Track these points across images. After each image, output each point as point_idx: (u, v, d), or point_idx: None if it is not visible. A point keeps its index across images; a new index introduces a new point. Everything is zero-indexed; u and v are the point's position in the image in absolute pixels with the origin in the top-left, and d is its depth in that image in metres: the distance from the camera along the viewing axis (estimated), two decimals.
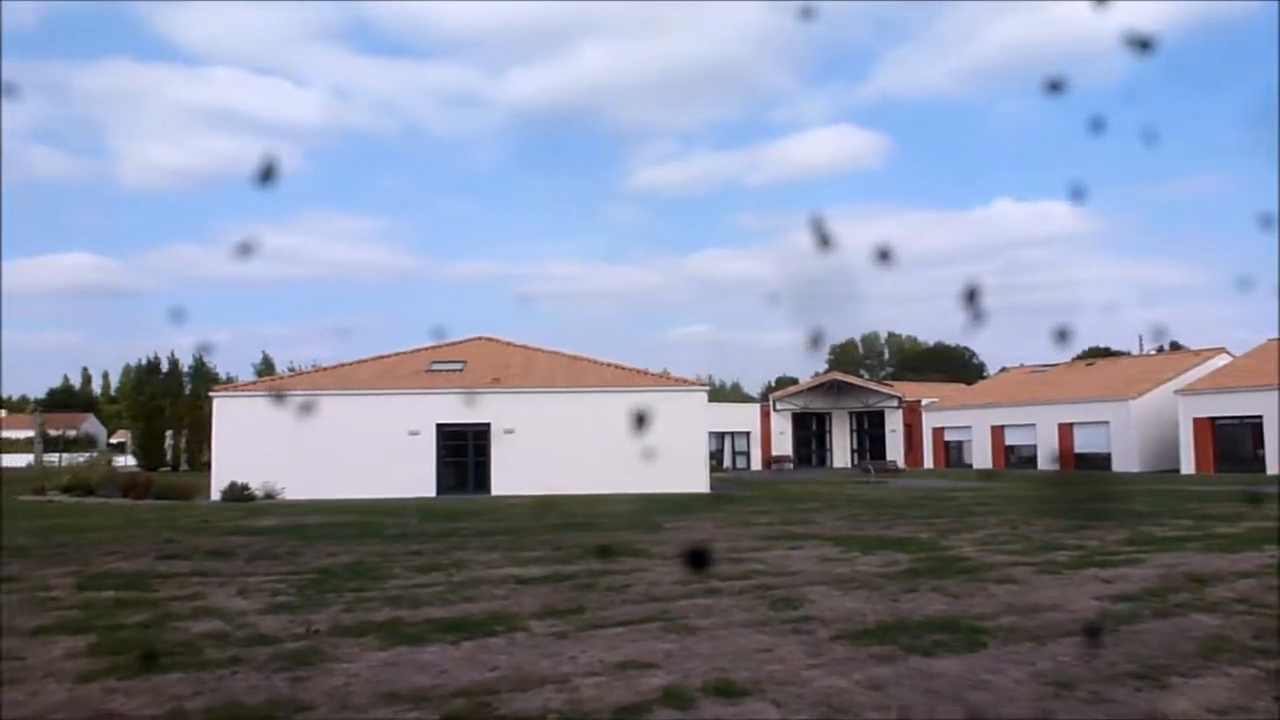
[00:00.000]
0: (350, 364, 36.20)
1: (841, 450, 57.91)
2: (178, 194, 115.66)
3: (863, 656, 7.13)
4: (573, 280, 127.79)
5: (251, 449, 29.69)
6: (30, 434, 63.90)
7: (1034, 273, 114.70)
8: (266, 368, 65.79)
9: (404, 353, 36.86)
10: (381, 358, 36.40)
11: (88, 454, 57.64)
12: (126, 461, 55.49)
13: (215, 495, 29.17)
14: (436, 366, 35.07)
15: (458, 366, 35.09)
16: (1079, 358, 62.47)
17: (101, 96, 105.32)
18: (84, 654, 7.40)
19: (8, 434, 77.72)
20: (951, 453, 53.78)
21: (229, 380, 56.47)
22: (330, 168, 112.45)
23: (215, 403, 32.54)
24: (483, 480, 31.97)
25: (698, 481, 31.20)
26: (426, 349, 36.89)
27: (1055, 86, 2.58)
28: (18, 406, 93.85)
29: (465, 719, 5.68)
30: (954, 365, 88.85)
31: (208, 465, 34.78)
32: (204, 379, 57.61)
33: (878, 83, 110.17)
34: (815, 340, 2.66)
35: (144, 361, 61.29)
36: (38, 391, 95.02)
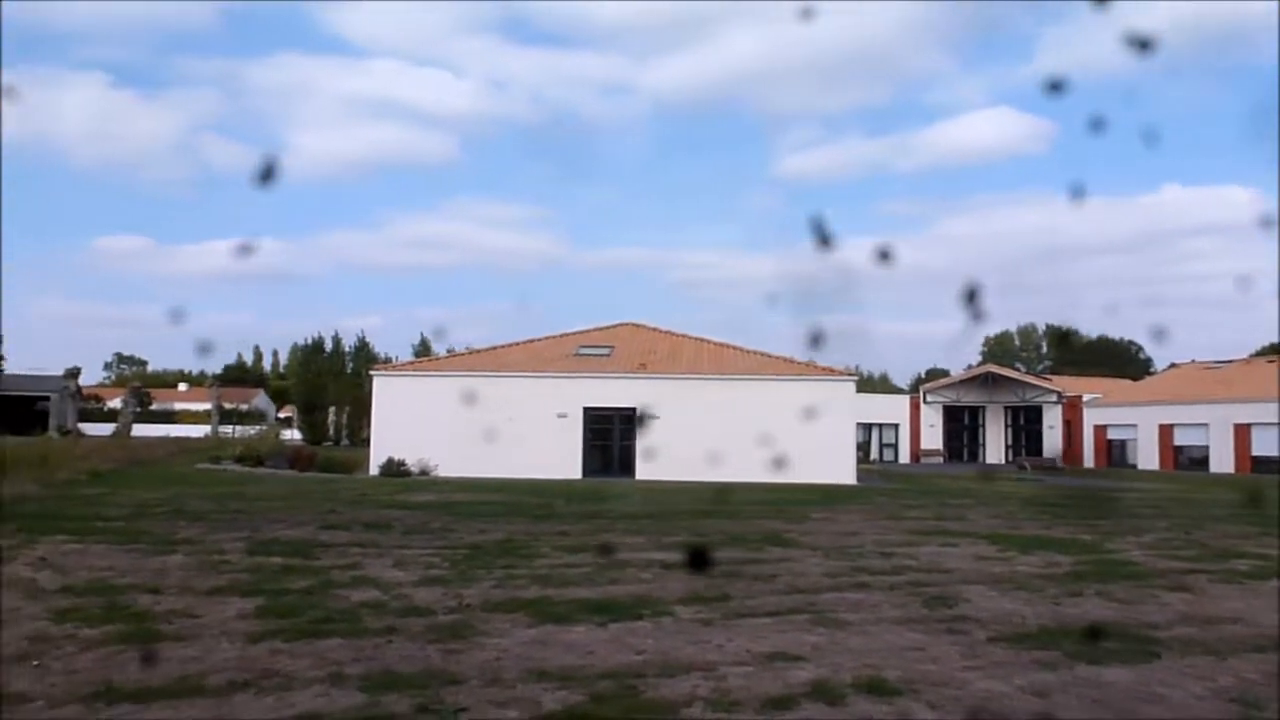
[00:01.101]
0: (501, 347, 37.08)
1: (995, 446, 55.85)
2: (342, 182, 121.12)
3: (1024, 661, 6.80)
4: (713, 268, 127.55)
5: (408, 426, 30.82)
6: (208, 407, 68.16)
7: (1205, 261, 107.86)
8: (424, 349, 68.18)
9: (552, 337, 37.50)
10: (531, 341, 37.13)
11: (258, 427, 61.11)
12: (292, 435, 58.56)
13: (373, 470, 30.39)
14: (584, 351, 35.55)
15: (605, 351, 35.47)
16: (1258, 354, 58.29)
17: (272, 90, 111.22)
18: (253, 615, 7.78)
19: (189, 406, 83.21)
20: (1114, 452, 51.13)
21: (387, 361, 58.73)
22: (484, 156, 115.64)
23: (375, 381, 33.90)
24: (627, 464, 32.24)
25: (844, 473, 30.63)
26: (574, 334, 37.46)
27: (1055, 87, 2.57)
28: (197, 381, 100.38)
29: (612, 701, 5.68)
30: (1118, 360, 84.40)
31: (366, 441, 36.34)
32: (364, 359, 60.16)
33: (1040, 63, 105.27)
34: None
35: (310, 341, 64.44)
36: (214, 367, 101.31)
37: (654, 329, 38.82)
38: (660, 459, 30.86)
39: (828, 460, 29.77)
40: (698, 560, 8.92)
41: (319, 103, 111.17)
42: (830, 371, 34.49)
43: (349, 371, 60.85)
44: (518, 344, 36.95)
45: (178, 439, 52.84)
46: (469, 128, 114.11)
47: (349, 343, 63.21)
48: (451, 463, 30.17)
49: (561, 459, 31.17)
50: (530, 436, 31.00)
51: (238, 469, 29.60)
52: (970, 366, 64.18)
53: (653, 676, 6.17)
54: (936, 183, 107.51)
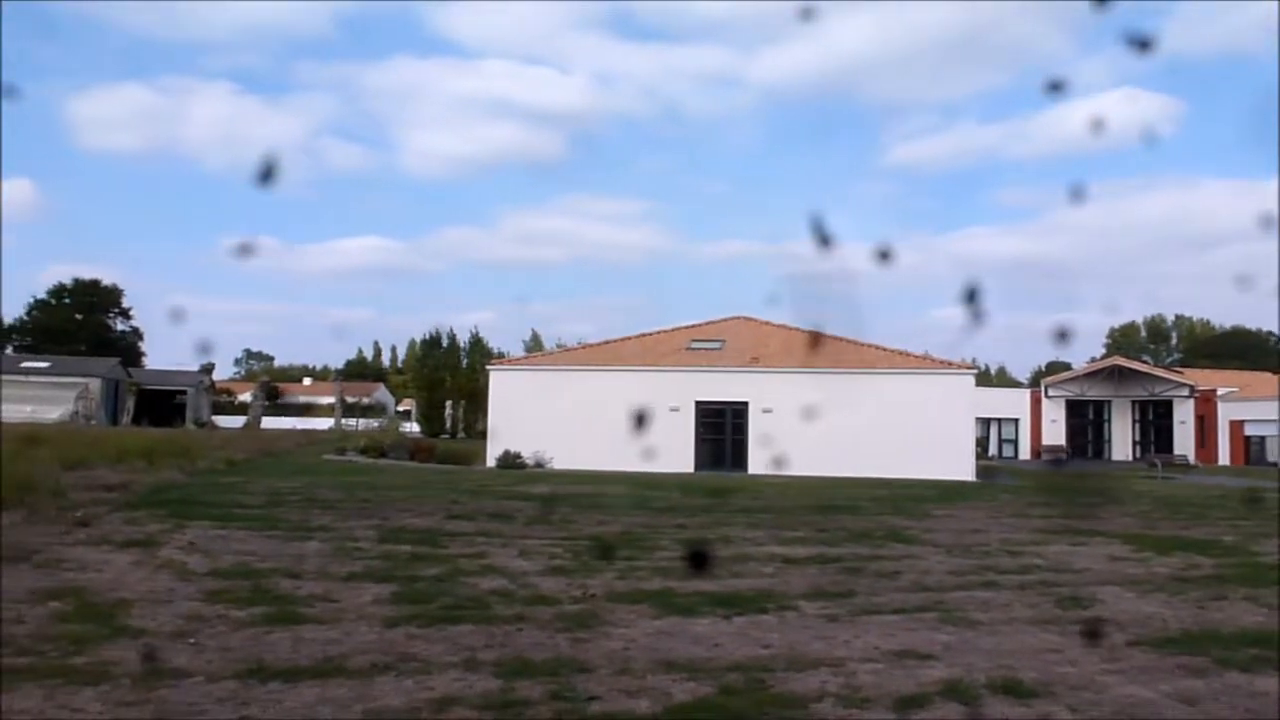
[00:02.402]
0: (614, 341, 37.40)
1: (1121, 442, 53.67)
2: (455, 180, 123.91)
3: (1168, 666, 6.54)
4: (824, 259, 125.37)
5: (523, 419, 31.38)
6: (331, 400, 70.65)
7: None
8: (535, 344, 69.28)
9: (664, 331, 37.63)
10: (643, 335, 37.33)
11: (379, 420, 63.01)
12: (411, 428, 60.24)
13: (490, 462, 31.02)
14: (695, 345, 35.57)
15: (716, 345, 35.43)
16: None
17: (387, 92, 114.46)
18: (388, 601, 8.05)
19: (313, 399, 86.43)
20: (1252, 449, 48.58)
21: (500, 355, 59.86)
22: (593, 152, 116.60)
23: (491, 376, 34.62)
24: (739, 458, 32.15)
25: (963, 468, 29.91)
26: (686, 328, 37.51)
27: (1055, 87, 2.58)
28: (321, 375, 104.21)
29: (742, 694, 5.69)
30: (1255, 352, 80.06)
31: (483, 434, 37.12)
32: (479, 353, 61.44)
33: (1168, 42, 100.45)
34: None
35: (427, 336, 66.12)
36: (337, 362, 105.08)
37: (764, 322, 38.56)
38: (773, 453, 30.66)
39: (945, 456, 29.14)
40: (697, 560, 8.90)
41: (432, 104, 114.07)
42: (948, 365, 33.71)
43: (464, 366, 62.21)
44: (629, 338, 37.19)
45: (304, 431, 54.91)
46: (578, 124, 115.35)
47: (464, 338, 64.65)
48: (566, 455, 30.57)
49: (674, 453, 31.24)
50: (642, 431, 31.14)
51: (362, 460, 30.61)
52: (1094, 359, 61.80)
53: (781, 670, 6.16)
54: (1057, 169, 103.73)
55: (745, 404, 32.24)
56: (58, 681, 5.55)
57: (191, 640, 6.56)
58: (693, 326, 37.61)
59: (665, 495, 19.42)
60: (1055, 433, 53.42)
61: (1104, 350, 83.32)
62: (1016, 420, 53.64)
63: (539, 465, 30.61)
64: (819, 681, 5.93)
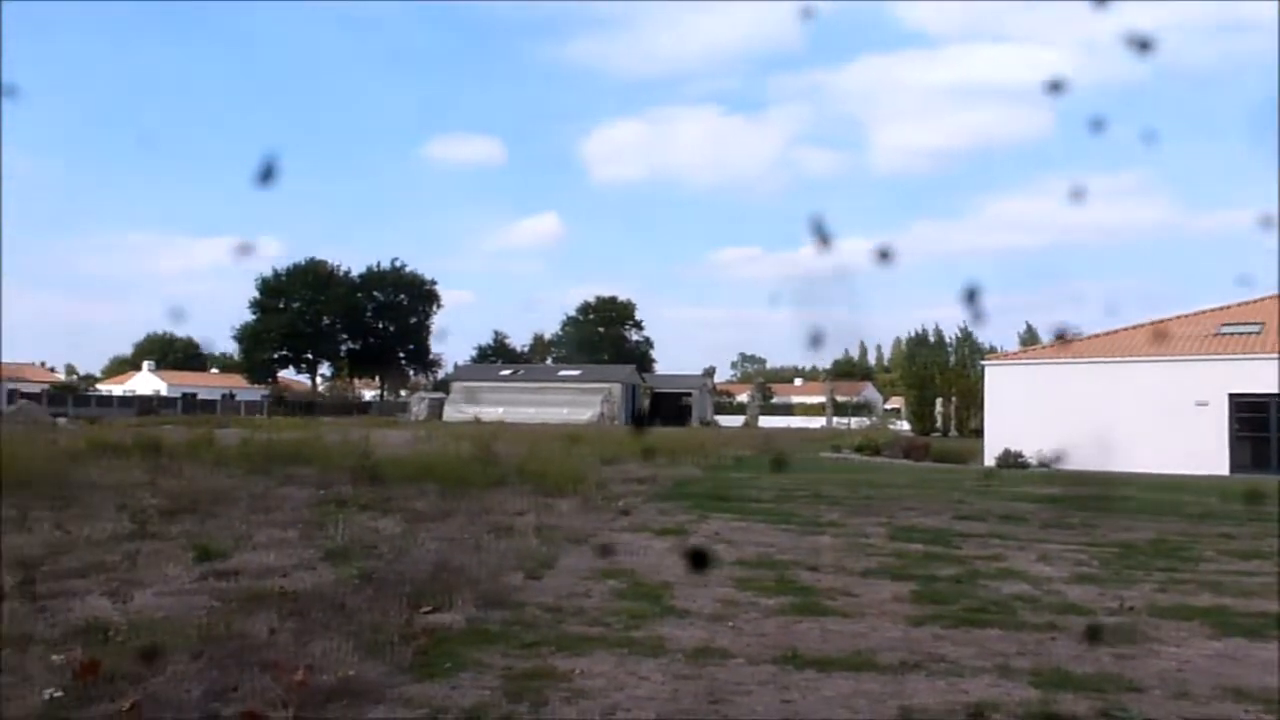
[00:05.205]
0: (1120, 330, 34.12)
1: None
2: (925, 172, 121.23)
3: None
4: None
5: (1023, 416, 29.80)
6: (820, 400, 72.58)
7: None
8: (1030, 337, 65.43)
9: (1183, 315, 33.59)
10: (1156, 323, 33.65)
11: (869, 418, 63.52)
12: (901, 426, 59.94)
13: (988, 460, 29.85)
14: (1226, 329, 31.26)
15: (1254, 329, 30.83)
16: None
17: (856, 93, 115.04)
18: (908, 599, 8.05)
19: (803, 399, 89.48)
20: None
21: (991, 350, 57.35)
22: (1072, 126, 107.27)
23: (986, 371, 33.34)
24: None
25: None
26: (1211, 311, 33.14)
27: (1055, 86, 2.56)
28: (811, 376, 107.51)
29: None
30: None
31: (975, 431, 35.85)
32: (968, 348, 59.48)
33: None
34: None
35: (913, 333, 65.34)
36: (824, 363, 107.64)
37: None
38: None
39: None
40: (697, 560, 8.01)
41: (902, 98, 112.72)
42: None
43: (953, 362, 60.59)
44: (1139, 326, 33.68)
45: (798, 430, 57.04)
46: (1059, 99, 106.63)
47: (950, 333, 62.94)
48: (1072, 454, 28.44)
49: (1201, 454, 27.73)
50: (1160, 428, 28.13)
51: (857, 458, 31.04)
52: None
53: None
54: None
55: None
56: (624, 651, 6.29)
57: (730, 624, 7.08)
58: (1221, 309, 33.09)
59: (1199, 500, 17.28)
60: None
61: None
62: None
63: (1042, 465, 28.83)
64: None
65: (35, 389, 68.32)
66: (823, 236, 2.42)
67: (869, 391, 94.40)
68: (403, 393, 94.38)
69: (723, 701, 5.37)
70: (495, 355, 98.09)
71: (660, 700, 5.37)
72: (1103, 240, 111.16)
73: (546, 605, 7.42)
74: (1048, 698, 5.48)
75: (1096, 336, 35.28)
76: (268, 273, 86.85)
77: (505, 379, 72.04)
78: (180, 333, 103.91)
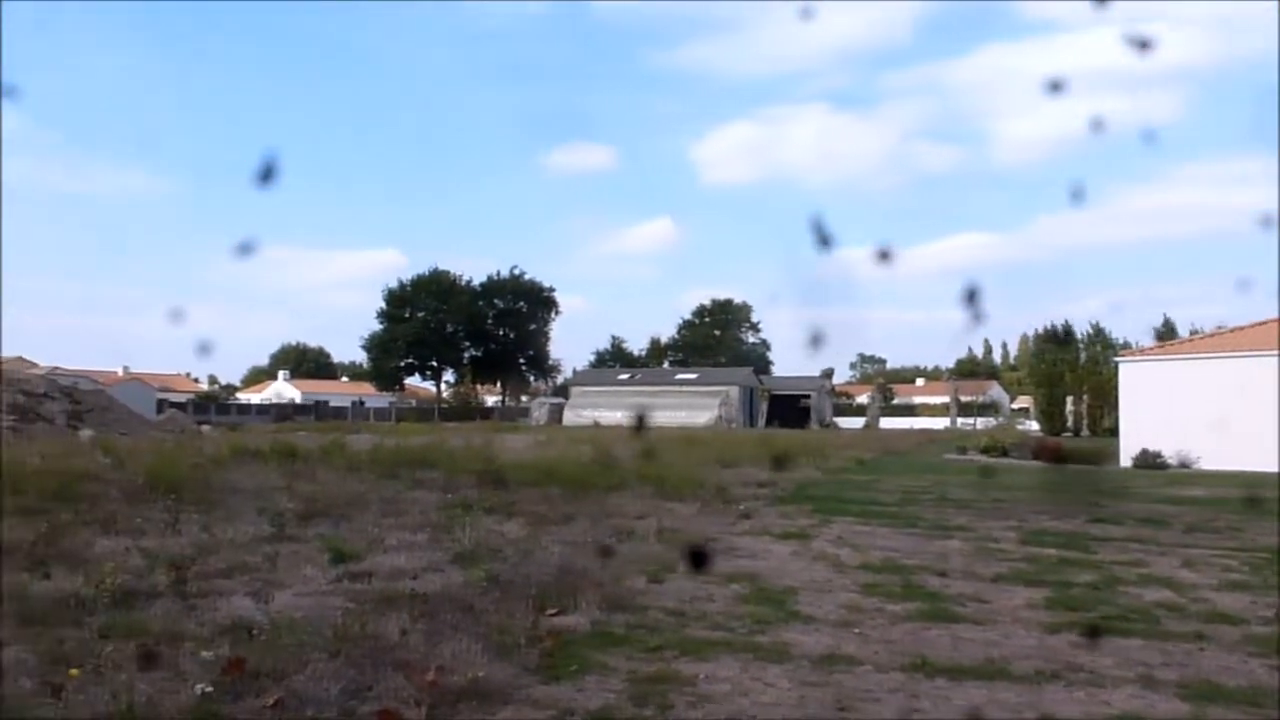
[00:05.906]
0: (1268, 322, 32.18)
1: None
2: (1053, 164, 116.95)
3: None
4: None
5: (1160, 415, 28.45)
6: (944, 400, 70.76)
7: None
8: (1167, 331, 62.47)
9: None
10: None
11: (995, 418, 61.65)
12: (1029, 426, 57.95)
13: (1124, 461, 28.59)
14: None
15: None
16: None
17: (974, 85, 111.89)
18: (1042, 606, 7.77)
19: (925, 400, 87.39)
20: None
21: (1125, 346, 54.94)
22: (1214, 111, 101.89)
23: (1121, 368, 31.97)
24: None
25: None
26: None
27: (1056, 86, 2.52)
28: (933, 376, 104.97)
29: None
30: None
31: (1109, 430, 34.36)
32: (1100, 345, 57.22)
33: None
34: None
35: (1040, 330, 63.19)
36: (946, 362, 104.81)
37: None
38: None
39: None
40: (697, 559, 7.32)
41: (1022, 88, 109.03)
42: None
43: (1084, 359, 58.34)
44: None
45: (921, 431, 55.76)
46: (1196, 82, 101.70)
47: (1080, 329, 60.60)
48: (1216, 455, 26.99)
49: None
50: None
51: (984, 459, 30.14)
52: None
53: None
54: None
55: None
56: (748, 656, 6.25)
57: (856, 630, 6.96)
58: None
59: None
60: None
61: None
62: None
63: (1184, 465, 27.46)
64: None
65: (181, 399, 72.17)
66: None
67: (995, 391, 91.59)
68: (523, 398, 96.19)
69: (850, 709, 5.28)
70: (613, 360, 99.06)
71: (786, 707, 5.31)
72: (1250, 228, 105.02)
73: (669, 609, 7.42)
74: (1198, 712, 5.22)
75: (1241, 329, 33.46)
76: (393, 284, 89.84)
77: (623, 383, 72.62)
78: (312, 343, 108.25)
